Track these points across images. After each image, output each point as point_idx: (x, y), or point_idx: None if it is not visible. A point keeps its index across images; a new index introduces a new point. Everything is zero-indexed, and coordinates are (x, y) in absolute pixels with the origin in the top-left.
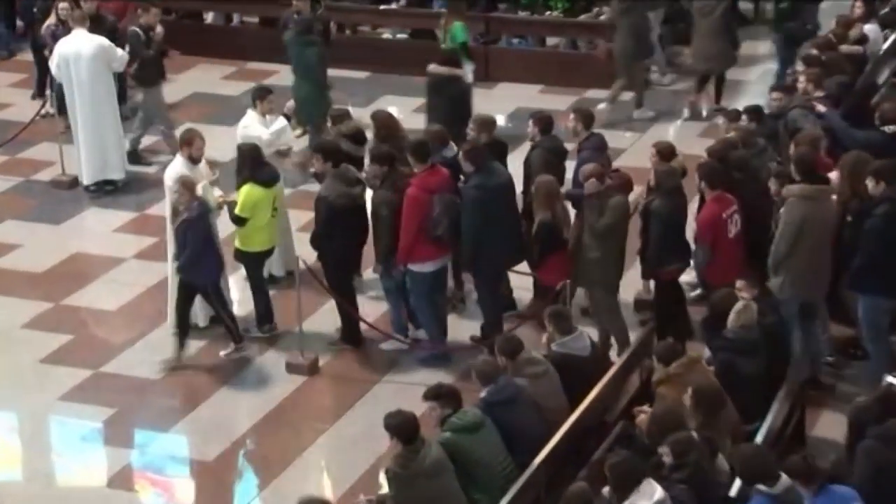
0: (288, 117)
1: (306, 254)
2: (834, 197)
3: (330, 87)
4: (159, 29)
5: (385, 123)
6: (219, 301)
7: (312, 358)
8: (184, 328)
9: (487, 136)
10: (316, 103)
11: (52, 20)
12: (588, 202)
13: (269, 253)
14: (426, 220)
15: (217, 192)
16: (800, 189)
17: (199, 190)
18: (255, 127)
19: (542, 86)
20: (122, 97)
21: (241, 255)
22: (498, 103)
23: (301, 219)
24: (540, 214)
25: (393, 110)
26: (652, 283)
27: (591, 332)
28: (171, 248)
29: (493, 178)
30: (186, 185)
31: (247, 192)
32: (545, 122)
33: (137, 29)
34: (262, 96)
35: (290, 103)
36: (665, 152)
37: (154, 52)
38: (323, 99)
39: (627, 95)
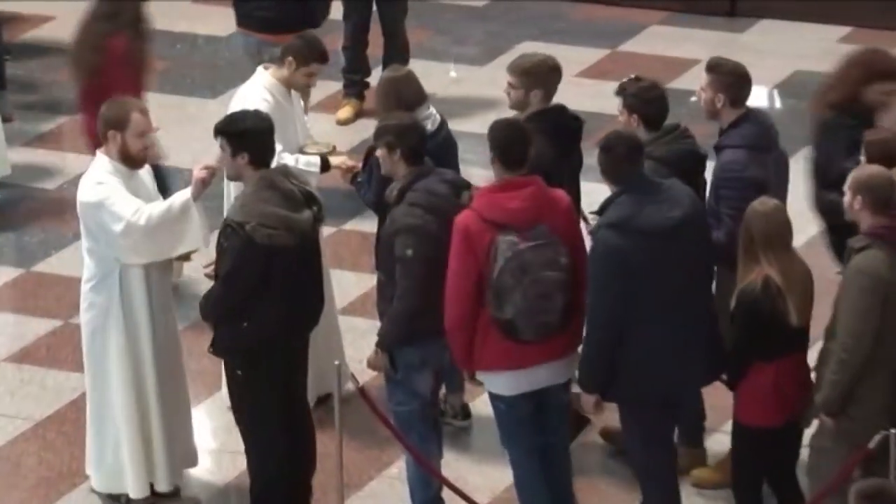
0: None
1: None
2: None
3: None
4: None
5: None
6: None
7: None
8: None
9: (543, 100)
10: None
11: None
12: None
13: None
14: (484, 282)
15: None
16: None
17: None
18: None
19: (850, 28)
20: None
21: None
22: (759, 63)
23: (354, 287)
24: (745, 278)
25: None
26: None
27: None
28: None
29: (652, 208)
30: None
31: None
32: (651, 102)
33: None
34: (300, 55)
35: None
36: (879, 145)
37: None
38: None
39: None
